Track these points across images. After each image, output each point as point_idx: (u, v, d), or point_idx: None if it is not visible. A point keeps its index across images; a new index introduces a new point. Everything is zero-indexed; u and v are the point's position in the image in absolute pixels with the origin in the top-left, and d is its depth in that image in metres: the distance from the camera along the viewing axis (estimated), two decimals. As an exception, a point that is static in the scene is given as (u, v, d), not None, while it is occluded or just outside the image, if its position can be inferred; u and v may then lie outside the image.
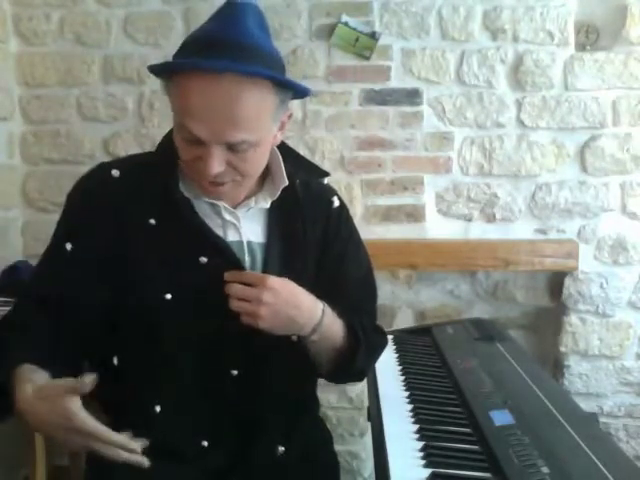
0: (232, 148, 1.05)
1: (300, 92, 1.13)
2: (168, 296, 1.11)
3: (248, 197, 1.19)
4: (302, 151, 1.24)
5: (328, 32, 2.34)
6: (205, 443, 1.16)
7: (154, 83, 2.51)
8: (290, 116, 1.16)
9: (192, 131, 1.03)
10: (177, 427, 1.15)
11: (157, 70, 1.09)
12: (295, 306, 1.11)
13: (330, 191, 1.32)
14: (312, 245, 1.23)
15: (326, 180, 1.31)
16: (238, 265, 1.15)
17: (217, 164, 1.04)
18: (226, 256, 1.15)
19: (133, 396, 1.15)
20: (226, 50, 1.01)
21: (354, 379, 1.35)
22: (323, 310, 1.15)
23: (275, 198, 1.20)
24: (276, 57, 1.09)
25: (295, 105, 2.32)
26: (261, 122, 1.06)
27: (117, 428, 1.21)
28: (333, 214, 1.28)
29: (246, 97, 1.02)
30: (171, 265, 1.12)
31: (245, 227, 1.18)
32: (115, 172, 1.16)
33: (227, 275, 1.11)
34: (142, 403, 1.15)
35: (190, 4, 2.34)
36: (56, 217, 1.20)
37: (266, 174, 1.22)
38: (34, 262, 2.22)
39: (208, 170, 1.05)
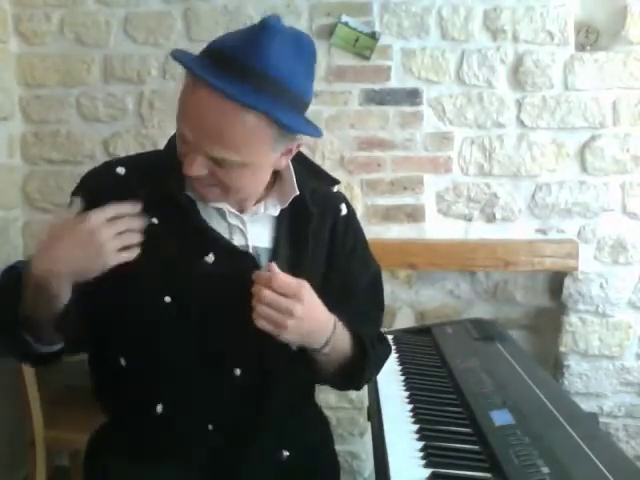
0: (214, 160, 1.04)
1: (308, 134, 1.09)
2: (167, 299, 1.09)
3: (257, 202, 1.17)
4: (302, 151, 1.23)
5: (328, 32, 2.34)
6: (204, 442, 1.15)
7: (154, 83, 2.52)
8: (299, 146, 1.13)
9: (181, 129, 1.04)
10: (176, 426, 1.14)
11: (176, 59, 1.06)
12: (315, 319, 1.09)
13: (338, 198, 1.29)
14: (319, 253, 1.22)
15: (336, 188, 1.29)
16: (249, 260, 1.13)
17: (194, 167, 1.04)
18: (235, 253, 1.13)
19: (136, 396, 1.15)
20: (240, 72, 0.99)
21: (355, 388, 1.34)
22: (335, 323, 1.14)
23: (285, 206, 1.18)
24: (295, 93, 1.03)
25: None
26: (252, 148, 1.04)
27: (118, 428, 1.22)
28: (340, 222, 1.26)
29: (240, 123, 1.00)
30: (173, 266, 1.10)
31: (252, 232, 1.16)
32: (120, 169, 1.15)
33: (262, 277, 1.04)
34: (144, 403, 1.14)
35: (190, 4, 2.33)
36: (56, 217, 1.19)
37: (275, 178, 1.20)
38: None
39: (184, 169, 1.05)
